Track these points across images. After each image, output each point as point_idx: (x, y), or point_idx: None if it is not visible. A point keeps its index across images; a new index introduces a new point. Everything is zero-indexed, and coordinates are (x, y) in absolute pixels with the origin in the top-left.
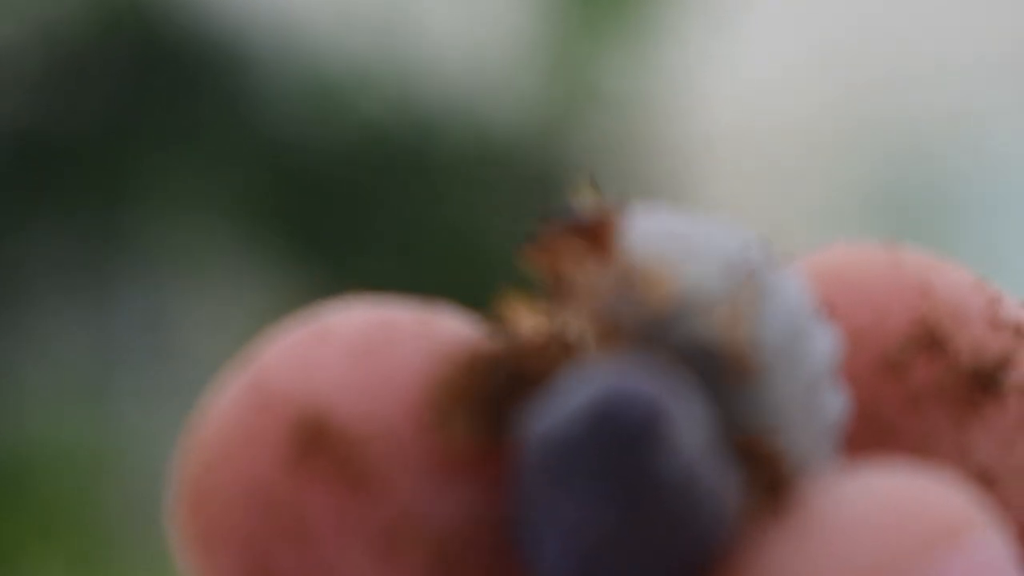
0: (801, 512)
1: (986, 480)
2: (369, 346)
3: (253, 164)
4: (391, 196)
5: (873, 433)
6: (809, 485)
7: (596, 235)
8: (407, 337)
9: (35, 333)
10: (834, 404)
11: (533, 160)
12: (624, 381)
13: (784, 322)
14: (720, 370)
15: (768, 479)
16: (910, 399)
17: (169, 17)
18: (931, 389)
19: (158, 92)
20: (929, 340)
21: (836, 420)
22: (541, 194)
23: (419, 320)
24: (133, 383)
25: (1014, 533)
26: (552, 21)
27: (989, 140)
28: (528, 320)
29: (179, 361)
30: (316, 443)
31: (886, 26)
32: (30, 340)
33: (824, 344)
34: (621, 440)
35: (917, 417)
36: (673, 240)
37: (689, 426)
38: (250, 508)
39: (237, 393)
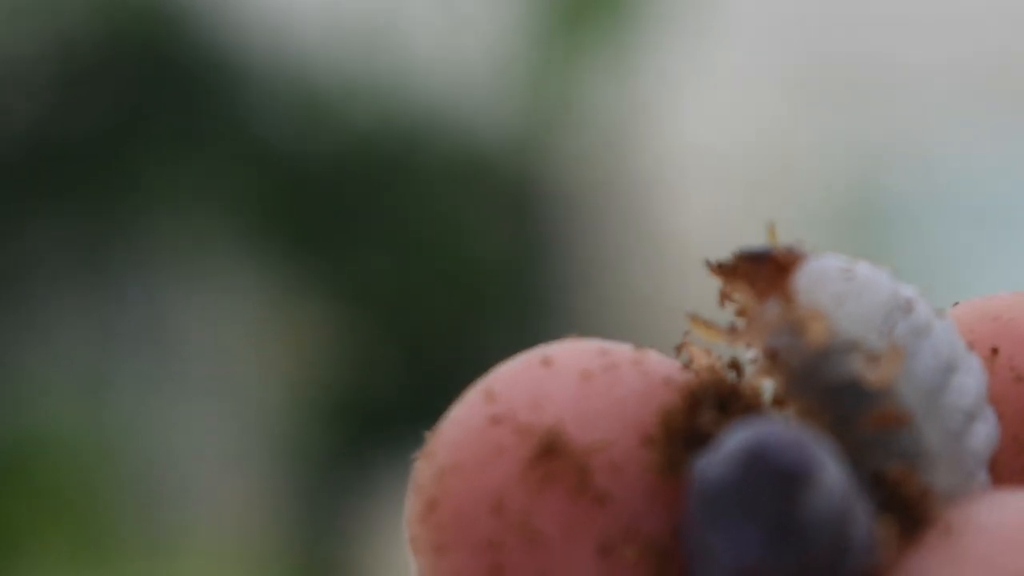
0: (948, 539)
1: None
2: (593, 369)
3: (250, 167)
4: (380, 199)
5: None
6: (957, 512)
7: (778, 272)
8: (625, 365)
9: (37, 326)
10: (985, 432)
11: (515, 169)
12: (775, 428)
13: (935, 364)
14: (870, 409)
15: (916, 511)
16: None
17: (172, 29)
18: None
19: (161, 99)
20: None
21: (987, 447)
22: (522, 201)
23: (632, 351)
24: (133, 375)
25: None
26: (534, 37)
27: (947, 155)
28: (704, 356)
29: (177, 354)
30: (548, 455)
31: (850, 45)
32: (32, 332)
33: (975, 378)
34: (772, 482)
35: None
36: (837, 283)
37: (835, 468)
38: (485, 512)
39: (473, 408)
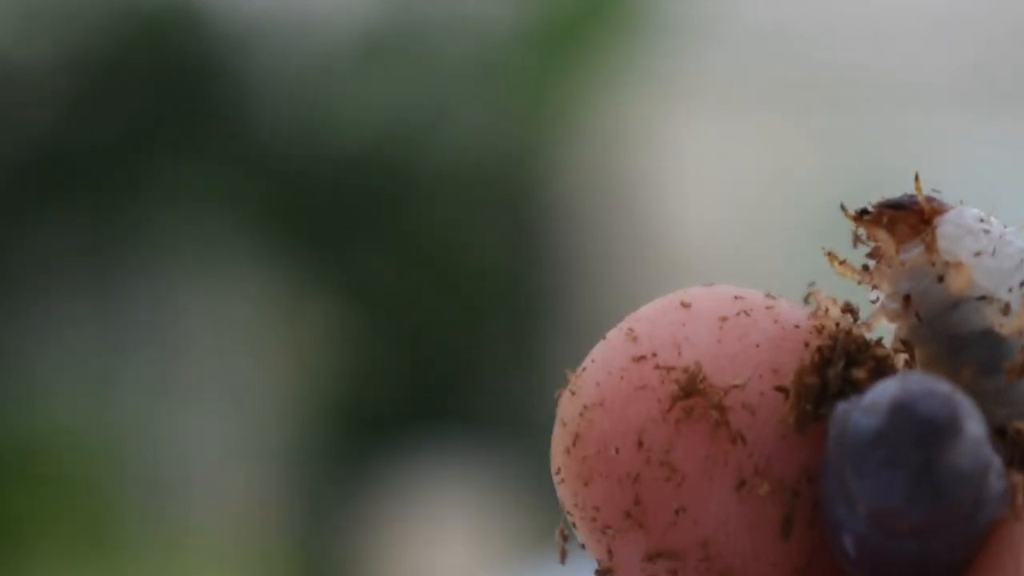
0: None
1: None
2: (729, 314)
3: (255, 174)
4: (383, 206)
5: None
6: None
7: (922, 220)
8: (759, 310)
9: (45, 327)
10: None
11: (515, 177)
12: (922, 381)
13: None
14: (1000, 359)
15: None
16: None
17: (180, 37)
18: None
19: (168, 105)
20: None
21: None
22: (521, 208)
23: (765, 298)
24: (138, 376)
25: None
26: (534, 48)
27: (947, 163)
28: (832, 305)
29: (182, 355)
30: (687, 394)
31: (849, 55)
32: (40, 333)
33: None
34: (919, 432)
35: None
36: (978, 236)
37: (978, 422)
38: (627, 447)
39: (615, 346)
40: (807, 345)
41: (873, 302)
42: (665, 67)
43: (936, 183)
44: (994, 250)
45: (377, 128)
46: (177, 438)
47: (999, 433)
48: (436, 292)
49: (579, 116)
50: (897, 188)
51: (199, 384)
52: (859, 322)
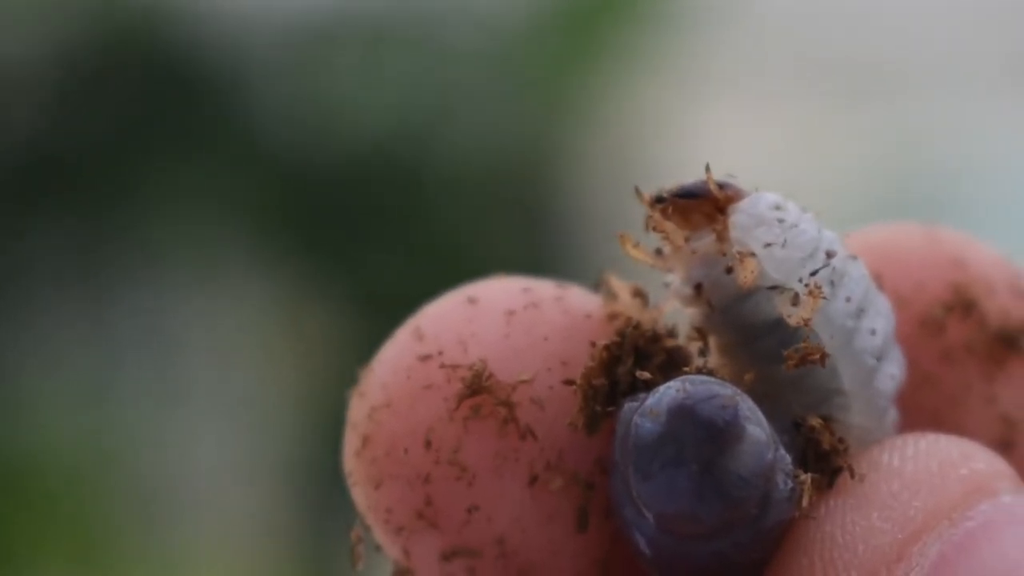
0: (857, 485)
1: (1009, 426)
2: (517, 307)
3: (254, 173)
4: (388, 205)
5: (916, 383)
6: (866, 458)
7: (716, 207)
8: (547, 302)
9: (38, 336)
10: (892, 373)
11: (526, 174)
12: (704, 384)
13: (848, 308)
14: (789, 351)
15: (832, 459)
16: (945, 354)
17: (176, 33)
18: (963, 346)
19: (164, 104)
20: (961, 304)
21: (895, 386)
22: (533, 206)
23: (555, 288)
24: (135, 385)
25: None
26: (546, 41)
27: (983, 149)
28: (624, 291)
29: (180, 363)
30: (474, 390)
31: (873, 40)
32: (33, 342)
33: (884, 319)
34: (701, 436)
35: (951, 369)
36: (771, 226)
37: (761, 423)
38: (415, 447)
39: (402, 345)
40: (593, 345)
41: (666, 286)
42: (683, 56)
43: (961, 170)
44: (784, 241)
45: (384, 125)
46: (175, 449)
47: (796, 426)
48: (441, 286)
49: (595, 109)
50: (919, 176)
51: (198, 393)
52: (651, 307)
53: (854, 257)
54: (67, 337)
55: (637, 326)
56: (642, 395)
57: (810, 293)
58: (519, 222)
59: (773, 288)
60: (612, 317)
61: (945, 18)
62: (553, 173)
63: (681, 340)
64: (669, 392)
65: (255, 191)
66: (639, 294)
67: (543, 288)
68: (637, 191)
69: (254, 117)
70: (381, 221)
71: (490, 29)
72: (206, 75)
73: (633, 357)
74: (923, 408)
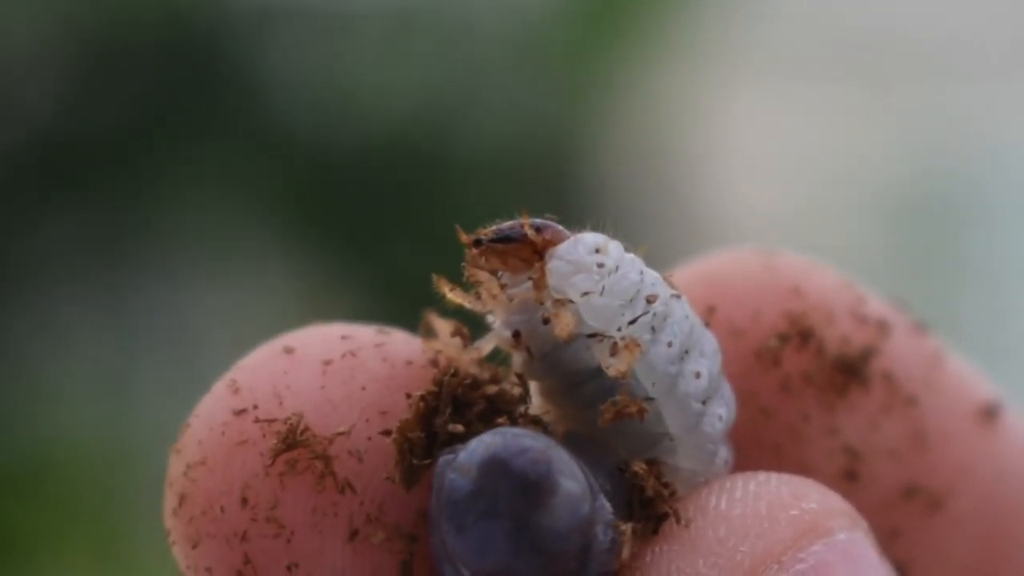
0: (684, 529)
1: (853, 457)
2: (334, 356)
3: (275, 161)
4: (412, 191)
5: (753, 416)
6: (692, 502)
7: (534, 251)
8: (366, 349)
9: (56, 330)
10: (720, 414)
11: (551, 159)
12: (517, 437)
13: (670, 353)
14: (609, 396)
15: (657, 505)
16: (783, 385)
17: (195, 19)
18: (801, 376)
19: (184, 92)
20: (798, 333)
21: (723, 426)
22: (558, 192)
23: (375, 334)
24: (152, 378)
25: (875, 512)
26: (572, 24)
27: (1003, 137)
28: (448, 332)
29: (197, 356)
30: (290, 445)
31: (899, 18)
32: (51, 336)
33: (709, 359)
34: (514, 490)
35: (790, 401)
36: (590, 273)
37: (576, 475)
38: (231, 505)
39: (217, 399)
40: (409, 396)
41: (489, 325)
42: (710, 40)
43: (993, 154)
44: (603, 288)
45: (406, 109)
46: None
47: (620, 472)
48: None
49: (619, 93)
50: (951, 161)
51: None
52: (471, 346)
53: (678, 296)
54: (85, 330)
55: (455, 373)
56: (458, 446)
57: (626, 347)
58: (542, 207)
59: (592, 336)
60: (433, 362)
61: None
62: (577, 158)
63: (505, 384)
64: (481, 446)
65: (275, 178)
66: (459, 333)
67: (362, 335)
68: (458, 231)
69: (276, 103)
70: (403, 207)
71: (513, 13)
72: (225, 61)
73: (451, 407)
74: (763, 442)
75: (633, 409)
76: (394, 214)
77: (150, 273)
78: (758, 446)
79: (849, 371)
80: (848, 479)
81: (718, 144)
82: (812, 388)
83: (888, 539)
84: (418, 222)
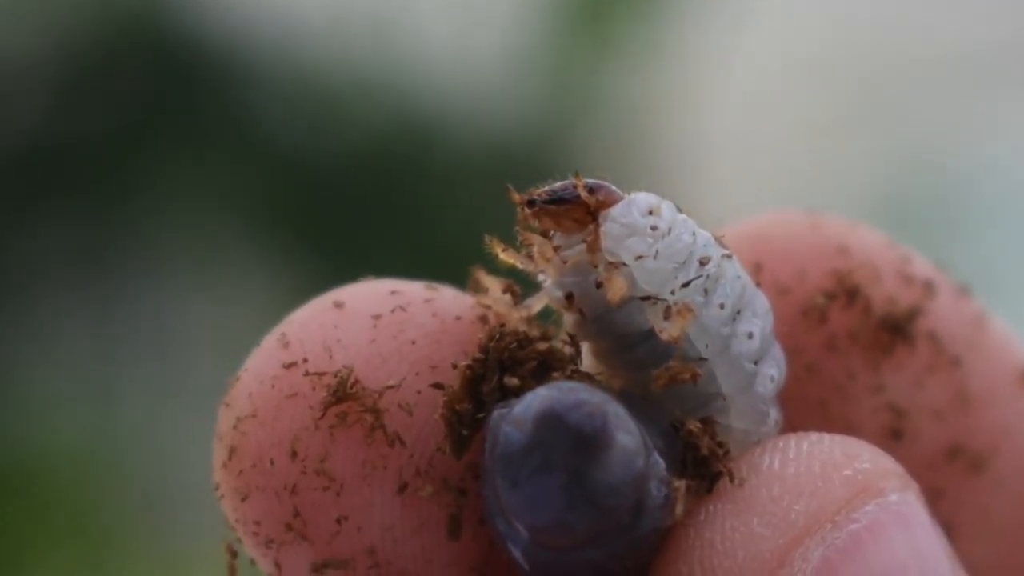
0: (737, 489)
1: (897, 416)
2: (383, 311)
3: (259, 168)
4: (396, 197)
5: (800, 373)
6: (746, 462)
7: (587, 212)
8: (416, 304)
9: (42, 335)
10: (772, 374)
11: (535, 163)
12: (572, 391)
13: (722, 314)
14: (663, 359)
15: (711, 464)
16: (828, 343)
17: (180, 27)
18: (847, 334)
19: (167, 99)
20: (845, 292)
21: (775, 386)
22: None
23: (425, 290)
24: (136, 384)
25: (918, 471)
26: (553, 29)
27: (993, 144)
28: (497, 289)
29: (182, 362)
30: (340, 398)
31: (887, 24)
32: (37, 342)
33: (760, 320)
34: (568, 445)
35: (836, 359)
36: (643, 236)
37: (631, 430)
38: (281, 458)
39: (267, 353)
40: (455, 367)
41: (541, 283)
42: (695, 45)
43: (974, 166)
44: (656, 252)
45: (392, 116)
46: (179, 448)
47: (675, 430)
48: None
49: (604, 101)
50: (930, 174)
51: (204, 393)
52: (521, 304)
53: (730, 256)
54: (70, 337)
55: (502, 336)
56: (512, 401)
57: (679, 312)
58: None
59: (646, 299)
60: (483, 319)
61: (955, 12)
62: (561, 165)
63: (555, 342)
64: (536, 400)
65: (260, 187)
66: (510, 291)
67: (412, 290)
68: (510, 191)
69: (260, 110)
70: (388, 214)
71: (498, 22)
72: (209, 70)
73: (498, 372)
74: (809, 399)
75: (687, 375)
76: (379, 221)
77: (135, 280)
78: (803, 403)
79: (895, 330)
80: (892, 437)
81: (706, 149)
82: (858, 346)
83: (931, 499)
84: (403, 229)
